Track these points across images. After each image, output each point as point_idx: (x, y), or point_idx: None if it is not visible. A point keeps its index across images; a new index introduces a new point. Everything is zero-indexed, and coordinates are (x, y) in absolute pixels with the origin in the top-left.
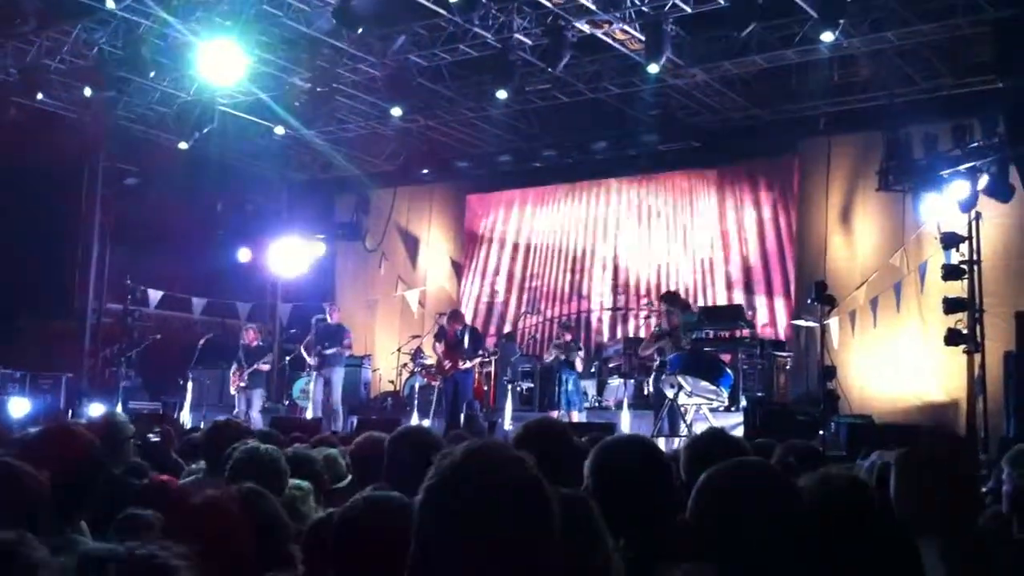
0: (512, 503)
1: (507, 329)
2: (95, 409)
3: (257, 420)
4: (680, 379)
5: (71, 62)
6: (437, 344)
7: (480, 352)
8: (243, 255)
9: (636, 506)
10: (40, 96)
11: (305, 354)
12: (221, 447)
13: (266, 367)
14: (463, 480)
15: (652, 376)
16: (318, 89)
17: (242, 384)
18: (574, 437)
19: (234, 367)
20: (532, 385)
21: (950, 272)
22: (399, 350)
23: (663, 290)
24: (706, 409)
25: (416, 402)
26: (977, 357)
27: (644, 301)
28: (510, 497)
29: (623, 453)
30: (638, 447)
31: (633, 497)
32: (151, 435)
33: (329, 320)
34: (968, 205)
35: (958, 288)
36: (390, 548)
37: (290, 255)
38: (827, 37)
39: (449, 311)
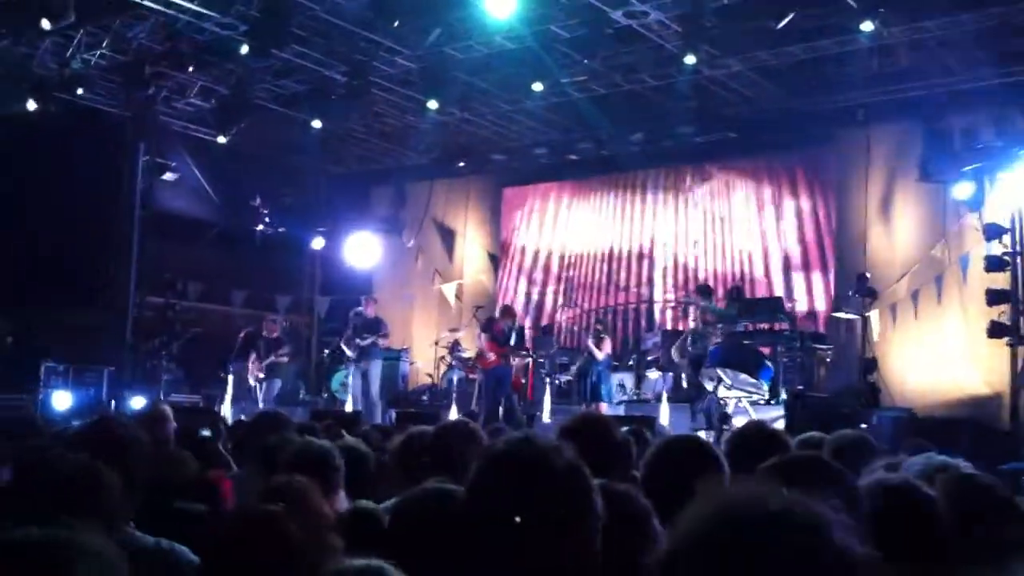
0: (552, 489)
1: (544, 322)
2: (137, 402)
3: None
4: (720, 372)
5: (111, 57)
6: (483, 334)
7: (524, 351)
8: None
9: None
10: (80, 91)
11: (345, 347)
12: (267, 438)
13: (284, 359)
14: (505, 469)
15: (689, 369)
16: (354, 83)
17: (260, 375)
18: (617, 430)
19: (253, 357)
20: (570, 378)
21: (993, 264)
22: (437, 343)
23: (700, 282)
24: (746, 402)
25: (455, 395)
26: (1021, 350)
27: (682, 295)
28: (550, 483)
29: (678, 452)
30: (694, 448)
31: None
32: (203, 430)
33: (365, 313)
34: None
35: (1001, 280)
36: (446, 538)
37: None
38: (867, 26)
39: (502, 306)
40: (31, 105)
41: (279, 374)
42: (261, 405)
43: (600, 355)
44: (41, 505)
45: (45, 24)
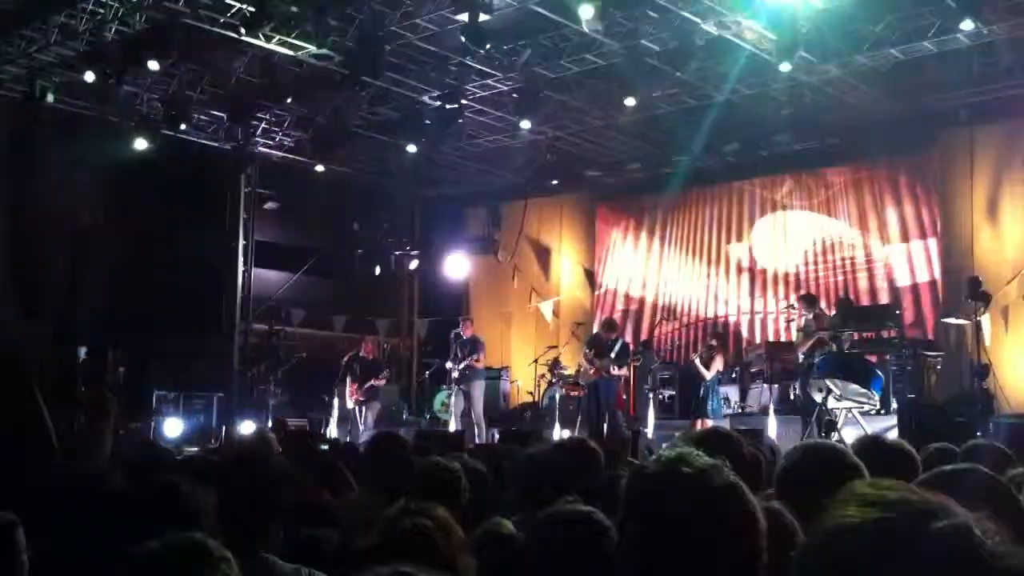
0: (714, 510)
1: (643, 337)
2: (247, 427)
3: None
4: (829, 383)
5: (211, 92)
6: (588, 351)
7: (626, 364)
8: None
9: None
10: (183, 127)
11: (449, 368)
12: (384, 459)
13: (382, 382)
14: (662, 491)
15: (799, 380)
16: (447, 107)
17: (361, 398)
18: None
19: (349, 380)
20: (673, 392)
21: None
22: (536, 361)
23: (803, 292)
24: (857, 413)
25: (557, 413)
26: None
27: (783, 304)
28: (712, 504)
29: (809, 459)
30: (825, 453)
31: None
32: (322, 445)
33: (463, 334)
34: None
35: None
36: (593, 561)
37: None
38: (966, 25)
39: (605, 319)
40: (140, 144)
41: (377, 397)
42: (361, 429)
43: (708, 374)
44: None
45: (152, 65)
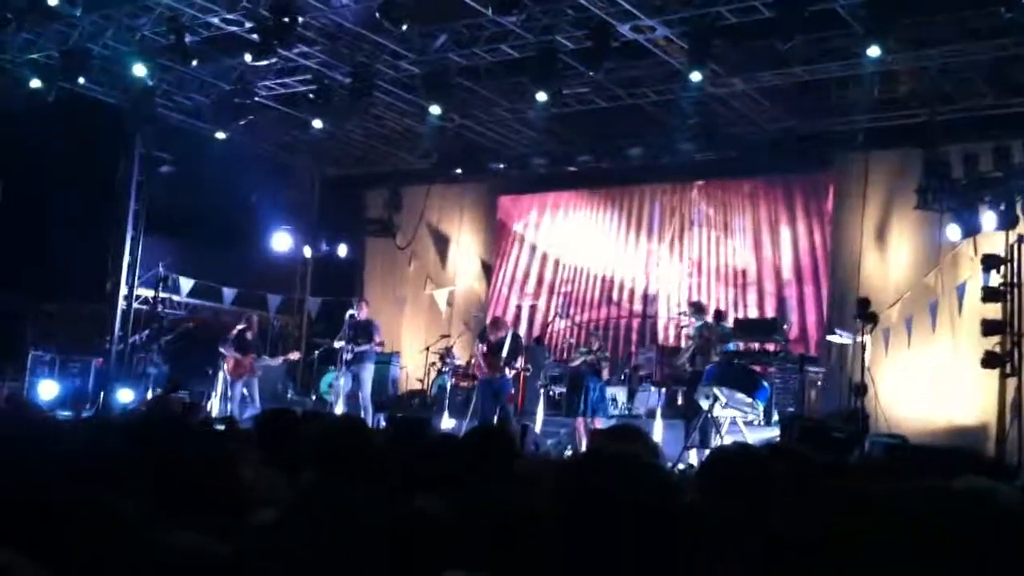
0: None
1: (536, 333)
2: (125, 395)
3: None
4: (716, 390)
5: (114, 47)
6: (480, 344)
7: (519, 359)
8: (279, 241)
9: None
10: (81, 80)
11: (339, 348)
12: (280, 436)
13: (277, 362)
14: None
15: (686, 386)
16: (357, 85)
17: (257, 373)
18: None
19: (232, 353)
20: (563, 390)
21: (990, 294)
22: (428, 349)
23: (693, 299)
24: (741, 422)
25: (447, 402)
26: (1013, 381)
27: (677, 310)
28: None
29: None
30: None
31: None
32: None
33: (358, 316)
34: (1008, 227)
35: (997, 310)
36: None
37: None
38: (873, 52)
39: (491, 318)
40: (35, 83)
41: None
42: (254, 406)
43: (606, 375)
44: None
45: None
